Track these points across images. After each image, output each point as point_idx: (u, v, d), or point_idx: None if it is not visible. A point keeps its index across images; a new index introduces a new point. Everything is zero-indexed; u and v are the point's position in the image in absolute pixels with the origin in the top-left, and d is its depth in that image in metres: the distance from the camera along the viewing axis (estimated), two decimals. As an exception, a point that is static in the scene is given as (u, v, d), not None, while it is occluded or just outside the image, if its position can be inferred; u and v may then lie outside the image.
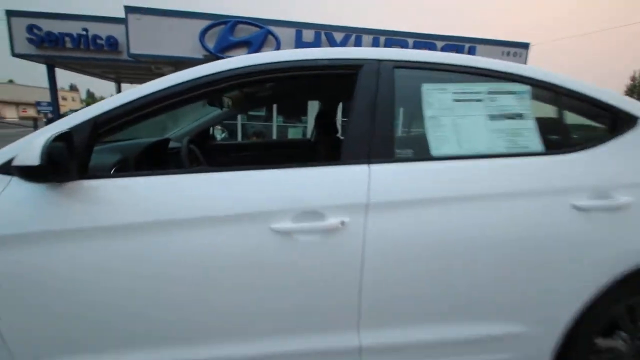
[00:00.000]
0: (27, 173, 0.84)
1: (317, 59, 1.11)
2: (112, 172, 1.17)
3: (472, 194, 1.05)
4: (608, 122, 1.23)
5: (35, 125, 16.18)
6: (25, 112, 38.14)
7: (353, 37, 8.89)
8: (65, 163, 0.85)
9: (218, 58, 1.22)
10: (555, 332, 1.13)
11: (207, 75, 1.05)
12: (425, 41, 8.95)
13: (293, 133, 9.95)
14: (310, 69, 1.11)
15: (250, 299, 1.01)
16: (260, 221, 0.97)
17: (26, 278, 0.92)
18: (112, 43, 8.97)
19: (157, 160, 1.48)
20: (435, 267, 1.04)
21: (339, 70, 1.14)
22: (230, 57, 1.12)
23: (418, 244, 1.02)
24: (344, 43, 8.73)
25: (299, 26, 8.80)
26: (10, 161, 0.90)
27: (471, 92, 1.14)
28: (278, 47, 8.45)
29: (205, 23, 8.46)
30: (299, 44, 8.66)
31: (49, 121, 11.37)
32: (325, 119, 2.51)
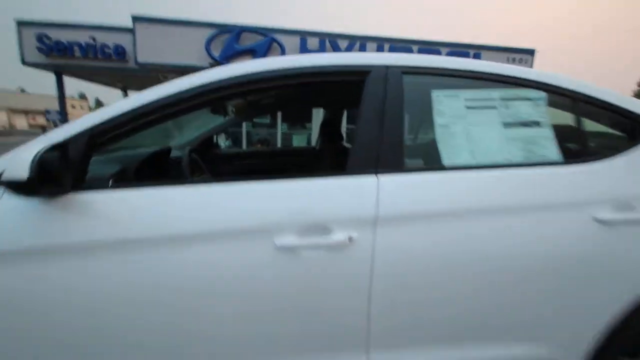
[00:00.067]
0: (16, 187, 0.79)
1: (323, 65, 1.07)
2: (110, 183, 1.13)
3: (488, 207, 0.99)
4: (629, 129, 1.17)
5: (44, 133, 16.36)
6: (35, 120, 38.81)
7: (357, 45, 8.92)
8: (57, 175, 0.81)
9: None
10: (579, 353, 1.06)
11: (208, 84, 1.01)
12: (429, 48, 8.93)
13: (298, 140, 9.94)
14: (315, 75, 1.07)
15: (253, 318, 0.95)
16: (264, 236, 0.92)
17: (16, 296, 0.88)
18: (120, 52, 9.09)
19: (158, 170, 1.44)
20: (449, 285, 0.98)
21: (345, 76, 1.09)
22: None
23: (430, 261, 0.96)
24: (348, 50, 8.76)
25: (304, 34, 8.86)
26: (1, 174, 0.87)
27: (484, 99, 1.08)
28: (283, 55, 8.49)
29: (211, 32, 8.57)
30: (304, 51, 8.71)
31: (57, 129, 11.45)
32: (330, 127, 2.46)
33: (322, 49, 8.75)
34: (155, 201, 0.93)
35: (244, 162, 2.61)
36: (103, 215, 0.90)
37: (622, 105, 1.12)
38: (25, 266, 0.86)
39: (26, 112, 39.42)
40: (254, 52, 8.59)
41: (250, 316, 0.95)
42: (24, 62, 9.12)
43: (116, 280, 0.89)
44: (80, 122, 0.95)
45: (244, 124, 9.28)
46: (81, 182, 0.93)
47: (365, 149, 1.00)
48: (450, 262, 0.97)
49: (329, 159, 2.23)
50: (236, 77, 1.02)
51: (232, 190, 0.95)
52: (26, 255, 0.86)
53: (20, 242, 0.86)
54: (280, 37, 8.73)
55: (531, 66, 9.58)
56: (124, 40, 8.95)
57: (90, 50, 9.00)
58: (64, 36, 8.91)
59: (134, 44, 8.56)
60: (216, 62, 8.34)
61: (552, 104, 1.12)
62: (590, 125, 1.18)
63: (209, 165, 1.92)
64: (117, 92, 14.85)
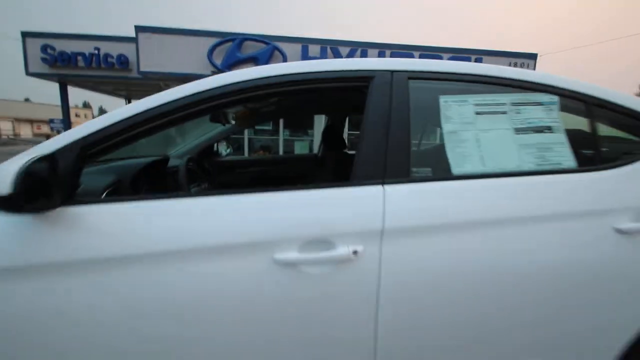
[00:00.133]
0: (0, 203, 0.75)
1: (325, 71, 1.02)
2: (103, 196, 1.08)
3: (500, 217, 0.93)
4: None
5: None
6: (40, 129, 39.22)
7: (359, 51, 8.95)
8: (43, 190, 0.76)
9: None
10: None
11: (207, 91, 0.97)
12: (431, 53, 8.94)
13: (300, 147, 9.93)
14: (317, 81, 1.02)
15: (251, 338, 0.90)
16: (263, 251, 0.86)
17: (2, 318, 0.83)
18: (123, 61, 9.18)
19: (154, 181, 1.40)
20: (461, 301, 0.92)
21: (348, 82, 1.05)
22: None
23: (441, 275, 0.90)
24: (350, 57, 8.78)
25: (305, 41, 8.91)
26: None
27: (494, 104, 1.03)
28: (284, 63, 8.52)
29: (213, 40, 8.65)
30: (305, 59, 8.73)
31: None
32: (332, 134, 2.42)
33: (323, 56, 8.79)
34: (149, 215, 0.88)
35: (245, 170, 2.57)
36: (95, 230, 0.85)
37: (636, 109, 1.07)
38: (9, 285, 0.81)
39: (31, 121, 39.86)
40: (256, 60, 8.64)
41: (248, 336, 0.90)
42: (27, 73, 9.21)
43: (106, 299, 0.84)
44: (72, 133, 0.90)
45: (245, 131, 9.29)
46: (72, 195, 0.88)
47: (370, 157, 0.95)
48: (461, 277, 0.91)
49: (331, 167, 2.19)
50: (236, 84, 0.98)
51: (229, 202, 0.90)
52: (11, 273, 0.81)
53: (6, 259, 0.81)
54: (281, 45, 8.78)
55: (534, 70, 9.54)
56: (127, 50, 9.05)
57: (94, 60, 9.10)
58: (68, 47, 9.03)
59: (137, 54, 8.64)
60: (218, 71, 8.39)
61: (563, 108, 1.07)
62: (603, 130, 1.13)
63: (209, 174, 1.88)
64: (121, 101, 14.98)
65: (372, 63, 1.05)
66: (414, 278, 0.90)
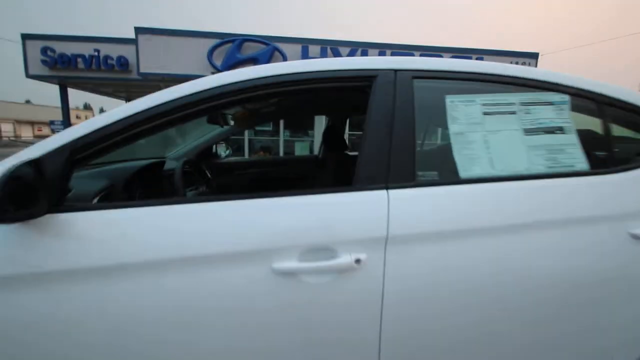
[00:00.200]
0: None
1: (326, 70, 0.98)
2: (95, 201, 1.04)
3: (510, 223, 0.89)
4: None
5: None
6: (41, 130, 39.27)
7: (359, 51, 8.91)
8: (27, 197, 0.72)
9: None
10: None
11: (205, 91, 0.92)
12: (432, 53, 8.90)
13: (300, 148, 9.89)
14: (317, 81, 0.98)
15: (249, 351, 0.85)
16: (261, 259, 0.82)
17: None
18: (123, 63, 9.16)
19: (149, 185, 1.35)
20: (468, 311, 0.87)
21: (349, 82, 1.01)
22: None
23: (448, 284, 0.86)
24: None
25: (305, 42, 8.88)
26: None
27: (502, 104, 0.99)
28: (284, 63, 8.49)
29: (213, 42, 8.63)
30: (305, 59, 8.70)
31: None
32: (333, 135, 2.38)
33: (323, 56, 8.76)
34: (141, 222, 0.83)
35: (244, 171, 2.52)
36: (85, 239, 0.81)
37: None
38: None
39: (32, 123, 39.92)
40: (256, 61, 8.61)
41: (246, 349, 0.85)
42: (28, 75, 9.20)
43: (96, 309, 0.80)
44: (61, 136, 0.86)
45: (245, 132, 9.26)
46: (62, 201, 0.84)
47: (373, 161, 0.90)
48: (469, 286, 0.86)
49: (332, 168, 2.14)
50: (233, 85, 0.93)
51: (224, 208, 0.85)
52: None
53: None
54: (281, 46, 8.75)
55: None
56: (127, 52, 9.03)
57: (94, 62, 9.08)
58: (68, 49, 9.01)
59: (137, 55, 8.62)
60: (218, 72, 8.34)
61: (574, 107, 1.03)
62: (614, 130, 1.09)
63: (207, 176, 1.84)
64: (121, 103, 14.97)
65: (374, 62, 1.00)
66: (420, 288, 0.85)
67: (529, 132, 0.98)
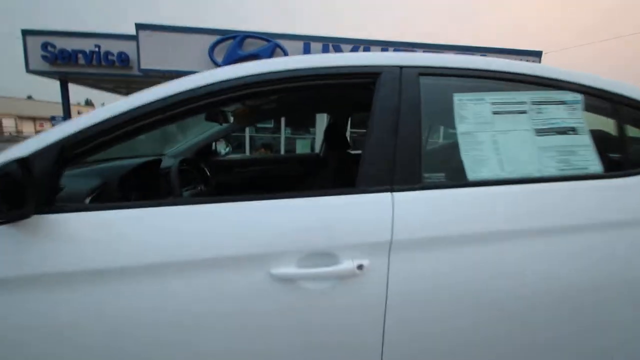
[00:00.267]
0: None
1: (327, 67, 0.94)
2: (87, 201, 1.00)
3: (520, 228, 0.85)
4: None
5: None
6: (42, 126, 39.29)
7: (361, 49, 8.83)
8: (16, 195, 0.69)
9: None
10: None
11: (203, 87, 0.88)
12: (434, 51, 8.82)
13: (301, 145, 9.84)
14: (318, 77, 0.94)
15: (246, 356, 0.82)
16: (258, 265, 0.78)
17: None
18: (124, 59, 9.10)
19: (144, 184, 1.32)
20: (476, 321, 0.83)
21: (352, 79, 0.96)
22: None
23: (455, 292, 0.82)
24: (352, 54, 8.66)
25: (307, 39, 8.81)
26: None
27: (513, 103, 0.95)
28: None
29: (214, 38, 8.56)
30: (307, 56, 8.64)
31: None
32: (335, 133, 2.33)
33: (325, 53, 8.67)
34: (134, 223, 0.80)
35: (244, 170, 2.48)
36: (75, 241, 0.77)
37: None
38: None
39: (34, 119, 39.93)
40: (257, 58, 8.47)
41: (243, 354, 0.82)
42: (28, 70, 9.17)
43: (89, 314, 0.76)
44: (51, 133, 0.82)
45: (247, 129, 9.21)
46: (52, 201, 0.80)
47: (377, 161, 0.86)
48: (480, 296, 0.82)
49: (333, 168, 2.10)
50: (233, 80, 0.89)
51: (220, 210, 0.81)
52: None
53: None
54: (283, 43, 8.69)
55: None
56: (128, 48, 8.97)
57: (94, 57, 9.02)
58: (69, 44, 8.96)
59: (138, 51, 8.57)
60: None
61: (588, 107, 0.98)
62: (630, 131, 1.04)
63: (205, 174, 1.80)
64: (122, 99, 14.92)
65: (378, 58, 0.96)
66: (426, 297, 0.81)
67: (540, 132, 0.94)
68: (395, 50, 8.86)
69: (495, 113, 0.93)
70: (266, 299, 0.78)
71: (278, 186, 2.36)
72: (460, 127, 0.91)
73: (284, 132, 9.73)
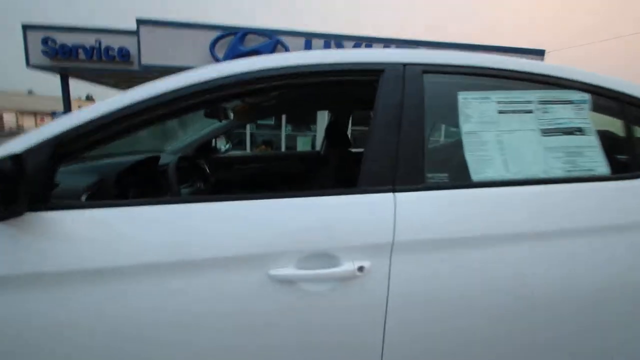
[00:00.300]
0: None
1: (328, 64, 0.91)
2: (83, 198, 0.99)
3: (525, 230, 0.83)
4: None
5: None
6: (44, 121, 39.29)
7: (363, 46, 8.78)
8: (3, 195, 0.67)
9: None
10: None
11: (201, 84, 0.86)
12: (437, 49, 8.76)
13: (302, 142, 9.81)
14: (319, 74, 0.91)
15: (244, 357, 0.80)
16: (256, 265, 0.77)
17: None
18: (124, 54, 9.06)
19: (141, 181, 1.30)
20: (480, 325, 0.82)
21: (354, 76, 0.94)
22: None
23: (458, 296, 0.80)
24: (354, 52, 8.60)
25: (309, 36, 8.76)
26: None
27: (519, 102, 0.92)
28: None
29: (215, 34, 8.51)
30: (309, 53, 8.59)
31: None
32: (336, 131, 2.31)
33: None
34: (130, 222, 0.78)
35: (243, 167, 2.46)
36: (69, 239, 0.76)
37: None
38: None
39: (35, 114, 39.89)
40: (258, 54, 8.49)
41: (240, 356, 0.80)
42: (28, 65, 9.14)
43: (81, 315, 0.75)
44: (46, 129, 0.80)
45: (247, 126, 9.19)
46: (46, 199, 0.78)
47: (379, 161, 0.84)
48: (481, 298, 0.81)
49: (334, 166, 2.08)
50: (233, 77, 0.87)
51: (217, 209, 0.80)
52: None
53: None
54: (285, 39, 8.63)
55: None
56: (129, 43, 8.93)
57: (95, 53, 8.98)
58: (69, 39, 8.91)
59: (138, 47, 8.52)
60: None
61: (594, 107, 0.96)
62: (638, 132, 1.02)
63: (204, 172, 1.78)
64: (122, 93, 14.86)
65: (382, 55, 0.94)
66: (428, 300, 0.79)
67: (546, 132, 0.92)
68: (397, 47, 8.80)
69: (500, 112, 0.91)
70: (264, 300, 0.77)
71: (278, 184, 2.34)
72: (465, 127, 0.89)
73: (284, 130, 9.71)
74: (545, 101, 0.93)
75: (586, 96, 0.95)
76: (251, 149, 9.56)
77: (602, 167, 0.90)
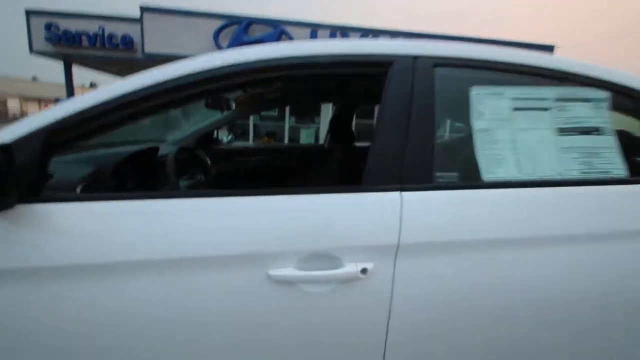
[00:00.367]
0: None
1: (334, 55, 0.87)
2: (78, 190, 0.96)
3: (538, 234, 0.79)
4: None
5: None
6: (47, 107, 39.24)
7: (370, 37, 8.65)
8: None
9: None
10: None
11: (200, 73, 0.82)
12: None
13: (305, 135, 9.76)
14: (324, 66, 0.87)
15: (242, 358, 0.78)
16: (255, 265, 0.74)
17: None
18: (128, 42, 8.98)
19: (138, 173, 1.26)
20: (488, 333, 0.79)
21: (361, 68, 0.90)
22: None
23: (466, 302, 0.77)
24: (360, 44, 8.46)
25: (314, 26, 8.63)
26: None
27: (535, 99, 0.88)
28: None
29: (220, 23, 8.41)
30: (314, 44, 8.47)
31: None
32: (340, 125, 2.26)
33: (332, 41, 8.49)
34: (124, 216, 0.75)
35: (245, 159, 2.42)
36: (61, 232, 0.73)
37: None
38: None
39: (39, 100, 39.91)
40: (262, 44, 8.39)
41: (238, 357, 0.78)
42: (31, 51, 9.09)
43: (68, 313, 0.72)
44: (37, 118, 0.77)
45: (251, 117, 9.14)
46: (37, 190, 0.75)
47: (386, 158, 0.80)
48: (491, 305, 0.77)
49: (338, 161, 2.04)
50: (235, 66, 0.82)
51: (215, 205, 0.76)
52: None
53: None
54: (289, 29, 8.51)
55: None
56: (132, 31, 8.84)
57: (98, 40, 8.91)
58: (73, 25, 8.84)
59: (142, 35, 8.44)
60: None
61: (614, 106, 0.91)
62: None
63: (205, 164, 1.74)
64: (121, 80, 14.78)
65: (391, 46, 0.89)
66: (433, 306, 0.76)
67: (562, 132, 0.87)
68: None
69: (515, 109, 0.86)
70: (263, 301, 0.74)
71: (280, 177, 2.31)
72: (477, 124, 0.85)
73: (288, 122, 9.65)
74: (562, 98, 0.88)
75: (605, 94, 0.90)
76: (254, 140, 9.52)
77: (619, 169, 0.86)
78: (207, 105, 1.69)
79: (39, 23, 8.81)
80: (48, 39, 8.84)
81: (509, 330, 0.80)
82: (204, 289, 0.74)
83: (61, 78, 10.31)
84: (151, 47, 8.51)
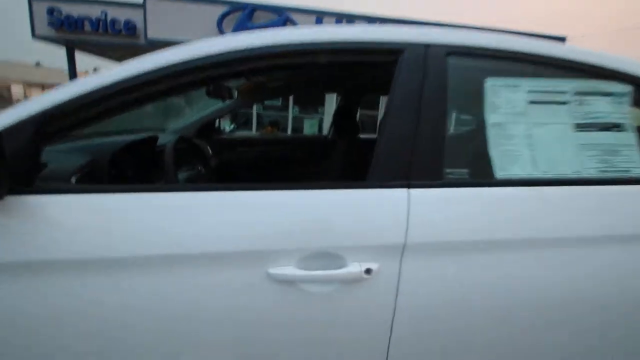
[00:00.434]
0: None
1: (340, 42, 0.82)
2: (73, 181, 0.93)
3: (554, 236, 0.75)
4: None
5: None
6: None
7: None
8: None
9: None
10: None
11: (198, 59, 0.77)
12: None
13: (309, 125, 9.68)
14: (329, 53, 0.82)
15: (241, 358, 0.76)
16: (254, 263, 0.71)
17: None
18: (130, 27, 8.87)
19: (136, 164, 1.23)
20: (497, 337, 0.76)
21: (369, 56, 0.85)
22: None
23: (475, 305, 0.74)
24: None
25: (320, 14, 8.46)
26: None
27: (553, 92, 0.83)
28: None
29: (223, 9, 8.28)
30: (319, 32, 8.33)
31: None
32: (345, 116, 2.21)
33: (338, 29, 8.34)
34: (119, 209, 0.72)
35: (247, 150, 2.38)
36: (53, 225, 0.70)
37: None
38: None
39: (42, 86, 39.86)
40: (267, 31, 8.25)
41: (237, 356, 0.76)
42: (34, 35, 9.02)
43: (60, 309, 0.70)
44: (28, 105, 0.73)
45: (254, 106, 9.06)
46: (29, 182, 0.72)
47: (393, 152, 0.76)
48: (500, 308, 0.74)
49: (342, 153, 2.00)
50: (236, 52, 0.78)
51: (214, 200, 0.73)
52: None
53: None
54: (294, 16, 8.36)
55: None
56: (135, 16, 8.72)
57: (101, 25, 8.81)
58: (75, 10, 8.73)
59: (145, 20, 8.33)
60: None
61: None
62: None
63: (206, 154, 1.71)
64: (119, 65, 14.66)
65: (402, 34, 0.84)
66: (440, 308, 0.73)
67: (580, 127, 0.82)
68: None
69: (532, 102, 0.82)
70: (263, 300, 0.71)
71: (282, 170, 2.27)
72: (491, 117, 0.80)
73: (291, 111, 9.56)
74: (581, 92, 0.83)
75: (628, 88, 0.85)
76: (257, 129, 9.46)
77: (639, 168, 0.81)
78: (209, 94, 1.64)
79: (41, 7, 8.71)
80: (50, 24, 8.76)
81: (520, 331, 0.77)
82: (201, 285, 0.71)
83: (64, 64, 10.25)
84: (154, 33, 8.41)
